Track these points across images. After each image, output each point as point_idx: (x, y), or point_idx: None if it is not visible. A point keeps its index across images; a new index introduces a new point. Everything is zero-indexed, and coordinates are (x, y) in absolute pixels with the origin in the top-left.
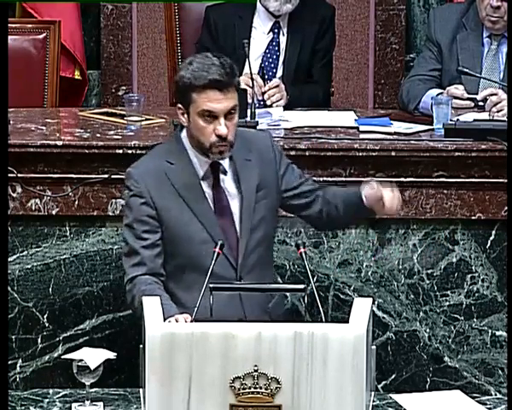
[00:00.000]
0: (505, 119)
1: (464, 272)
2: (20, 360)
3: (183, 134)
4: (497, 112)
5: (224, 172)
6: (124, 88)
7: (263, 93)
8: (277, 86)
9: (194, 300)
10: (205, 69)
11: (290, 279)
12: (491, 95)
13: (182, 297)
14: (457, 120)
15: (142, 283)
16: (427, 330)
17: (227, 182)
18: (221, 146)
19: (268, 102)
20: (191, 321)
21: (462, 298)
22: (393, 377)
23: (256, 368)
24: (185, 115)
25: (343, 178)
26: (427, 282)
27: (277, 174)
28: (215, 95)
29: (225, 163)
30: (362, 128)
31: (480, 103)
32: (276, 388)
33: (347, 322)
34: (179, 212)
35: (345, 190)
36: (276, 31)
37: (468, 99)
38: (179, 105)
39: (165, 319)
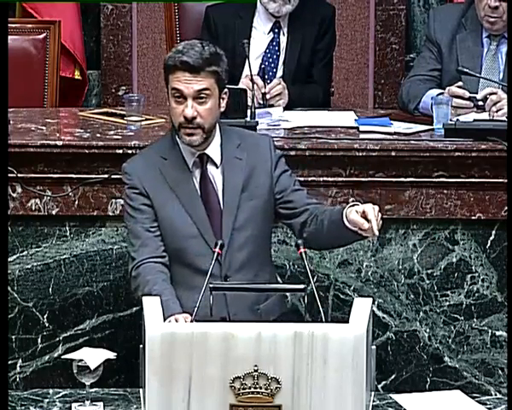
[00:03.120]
0: (505, 119)
1: (464, 272)
2: (20, 360)
3: None
4: (497, 111)
5: (214, 164)
6: (124, 88)
7: (263, 94)
8: (279, 83)
9: (179, 295)
10: (183, 52)
11: (290, 279)
12: (491, 94)
13: None
14: (457, 120)
15: (148, 272)
16: (427, 330)
17: (217, 176)
18: (188, 128)
19: (270, 102)
20: (191, 321)
21: (462, 298)
22: (393, 377)
23: (256, 368)
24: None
25: (343, 178)
26: (427, 282)
27: (272, 175)
28: (184, 76)
29: (215, 156)
30: (362, 128)
31: (480, 103)
32: (276, 388)
33: (347, 322)
34: (171, 205)
35: (332, 208)
36: (276, 31)
37: (468, 98)
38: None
39: (166, 318)
